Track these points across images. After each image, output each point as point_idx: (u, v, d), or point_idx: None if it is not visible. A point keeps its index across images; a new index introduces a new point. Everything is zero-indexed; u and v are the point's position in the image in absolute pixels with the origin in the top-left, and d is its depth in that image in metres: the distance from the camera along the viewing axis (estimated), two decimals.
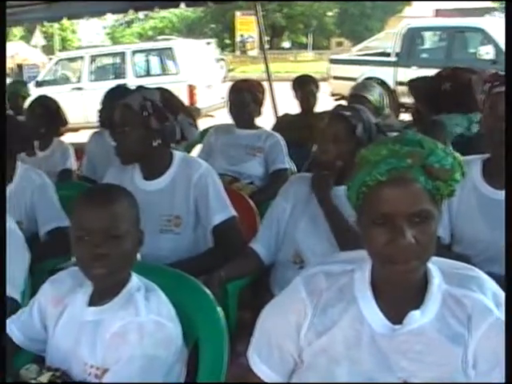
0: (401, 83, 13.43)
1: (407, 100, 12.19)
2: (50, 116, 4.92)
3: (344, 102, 5.90)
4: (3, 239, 2.37)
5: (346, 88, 13.65)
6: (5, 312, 2.26)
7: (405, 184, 1.56)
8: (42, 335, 2.15)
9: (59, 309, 2.09)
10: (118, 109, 3.04)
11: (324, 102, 6.04)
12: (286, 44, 42.35)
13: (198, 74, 13.72)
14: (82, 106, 13.69)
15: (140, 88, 3.12)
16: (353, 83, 13.26)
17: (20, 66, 24.75)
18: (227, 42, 39.83)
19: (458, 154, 1.64)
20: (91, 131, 4.66)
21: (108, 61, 15.88)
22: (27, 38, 31.72)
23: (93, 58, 15.04)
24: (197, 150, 5.07)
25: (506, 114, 1.87)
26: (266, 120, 4.84)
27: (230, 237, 3.06)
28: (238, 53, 34.33)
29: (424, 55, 14.40)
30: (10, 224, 2.57)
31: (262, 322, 1.86)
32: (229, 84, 4.93)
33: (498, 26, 13.31)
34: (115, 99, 4.55)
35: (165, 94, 3.05)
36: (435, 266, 1.69)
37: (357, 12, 39.15)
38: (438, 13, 28.72)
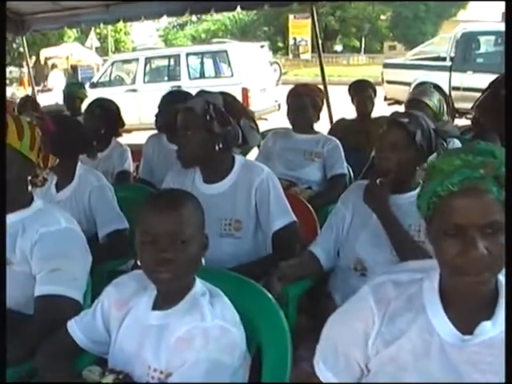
0: (455, 88, 13.32)
1: (462, 105, 12.14)
2: (109, 117, 4.96)
3: (398, 107, 5.89)
4: (3, 239, 2.39)
5: (399, 92, 13.68)
6: (5, 312, 2.28)
7: (478, 195, 1.54)
8: (105, 337, 2.15)
9: (123, 312, 2.09)
10: (181, 112, 3.06)
11: (377, 107, 5.97)
12: (339, 47, 42.18)
13: (252, 77, 13.74)
14: (135, 108, 13.84)
15: (202, 92, 3.11)
16: (407, 88, 13.36)
17: (75, 68, 25.14)
18: (280, 45, 39.85)
19: None
20: (145, 133, 4.67)
21: (162, 63, 16.00)
22: (81, 39, 32.14)
23: (147, 60, 15.18)
24: (252, 154, 5.06)
25: (507, 114, 1.84)
26: (320, 124, 4.79)
27: (291, 242, 3.05)
28: (290, 56, 34.30)
29: (479, 60, 14.18)
30: (73, 225, 2.58)
31: (328, 329, 1.85)
32: (282, 87, 4.93)
33: None
34: (172, 103, 4.60)
35: (227, 97, 3.06)
36: None
37: (410, 15, 38.76)
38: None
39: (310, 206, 3.68)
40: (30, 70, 11.01)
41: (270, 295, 2.24)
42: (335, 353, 1.79)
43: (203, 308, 1.94)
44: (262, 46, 17.82)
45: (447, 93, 13.16)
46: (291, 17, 32.82)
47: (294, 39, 33.79)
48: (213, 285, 2.08)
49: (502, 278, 1.63)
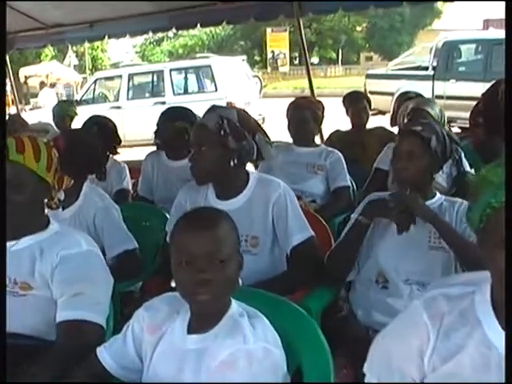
0: (438, 96, 13.36)
1: (446, 113, 12.15)
2: (106, 135, 4.88)
3: (382, 118, 5.89)
4: (3, 239, 2.33)
5: (382, 103, 13.68)
6: (4, 313, 2.21)
7: None
8: (136, 363, 2.08)
9: (156, 336, 2.02)
10: (195, 129, 3.02)
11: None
12: (315, 60, 42.32)
13: (236, 91, 13.73)
14: (120, 125, 13.59)
15: (216, 107, 3.06)
16: (389, 98, 13.35)
17: (53, 86, 24.99)
18: (257, 58, 39.92)
19: None
20: (130, 150, 4.59)
21: (145, 79, 15.93)
22: (58, 57, 32.05)
23: (130, 77, 15.10)
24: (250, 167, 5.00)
25: (506, 115, 1.82)
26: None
27: (309, 257, 2.99)
28: (269, 69, 34.35)
29: (461, 68, 14.27)
30: (94, 247, 2.51)
31: (379, 346, 1.80)
32: (263, 101, 4.89)
33: None
34: (172, 120, 4.55)
35: (241, 112, 3.01)
36: None
37: (386, 26, 39.04)
38: (488, 23, 28.34)
39: (323, 220, 3.62)
40: (14, 88, 10.91)
41: (307, 315, 2.19)
42: (389, 368, 1.73)
43: (245, 330, 1.88)
44: (242, 60, 17.77)
45: None
46: (269, 30, 32.92)
47: (273, 52, 33.89)
48: (247, 305, 2.03)
49: None
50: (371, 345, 1.83)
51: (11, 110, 13.09)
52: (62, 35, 8.75)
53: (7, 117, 7.34)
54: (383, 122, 6.93)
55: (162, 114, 4.77)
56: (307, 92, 8.04)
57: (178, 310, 2.02)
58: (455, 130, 11.31)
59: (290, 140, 4.73)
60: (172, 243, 1.95)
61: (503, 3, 1.88)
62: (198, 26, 8.31)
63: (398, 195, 2.91)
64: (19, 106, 10.82)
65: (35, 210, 2.48)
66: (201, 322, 1.95)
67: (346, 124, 5.95)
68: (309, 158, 4.56)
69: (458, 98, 12.31)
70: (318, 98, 5.61)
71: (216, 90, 13.93)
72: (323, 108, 4.80)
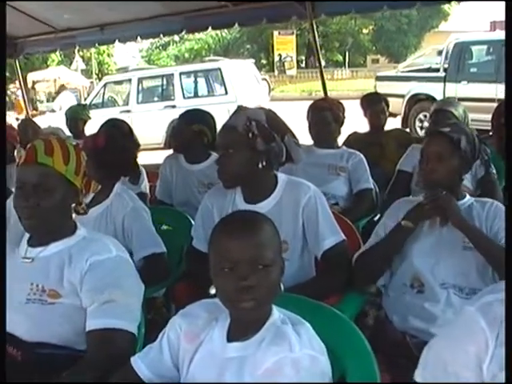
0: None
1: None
2: (124, 139, 4.81)
3: (393, 120, 5.84)
4: (3, 238, 2.29)
5: (393, 105, 13.48)
6: (4, 313, 2.16)
7: None
8: (173, 372, 2.00)
9: (194, 344, 1.94)
10: (222, 131, 2.94)
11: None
12: (322, 62, 42.26)
13: (246, 94, 13.64)
14: None
15: (243, 108, 2.98)
16: (400, 100, 13.26)
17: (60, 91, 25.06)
18: (263, 62, 39.85)
19: None
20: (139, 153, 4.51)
21: (155, 83, 15.87)
22: (64, 62, 32.10)
23: (140, 81, 15.03)
24: None
25: (506, 118, 1.76)
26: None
27: (342, 262, 2.91)
28: (276, 72, 34.28)
29: (473, 69, 14.15)
30: (123, 253, 2.44)
31: (432, 353, 1.71)
32: (271, 104, 4.81)
33: None
34: (190, 123, 4.48)
35: (270, 113, 2.92)
36: None
37: (393, 28, 38.95)
38: (495, 25, 28.27)
39: (352, 224, 3.54)
40: (24, 93, 10.87)
41: (350, 321, 2.12)
42: (445, 373, 1.65)
43: (290, 337, 1.79)
44: (252, 63, 17.66)
45: None
46: (276, 33, 32.88)
47: (280, 55, 33.82)
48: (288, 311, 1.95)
49: None
50: (422, 353, 1.74)
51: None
52: (72, 39, 8.71)
53: (19, 122, 7.29)
54: (394, 124, 6.86)
55: (180, 116, 4.70)
56: (315, 95, 7.96)
57: (217, 317, 1.95)
58: None
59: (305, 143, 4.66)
60: (211, 249, 1.87)
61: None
62: (210, 28, 8.27)
63: (434, 195, 2.84)
64: (30, 112, 10.74)
65: (64, 215, 2.41)
66: (241, 329, 1.87)
67: (356, 126, 5.86)
68: (330, 160, 4.48)
69: (469, 99, 12.18)
70: None
71: (226, 93, 13.84)
72: (344, 109, 4.72)
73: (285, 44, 32.98)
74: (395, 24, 38.63)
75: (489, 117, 4.87)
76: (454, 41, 14.28)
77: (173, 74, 14.63)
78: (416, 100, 14.17)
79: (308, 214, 2.90)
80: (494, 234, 2.75)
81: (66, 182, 2.36)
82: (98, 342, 2.21)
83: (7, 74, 19.78)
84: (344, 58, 40.65)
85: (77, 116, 6.96)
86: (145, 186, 4.88)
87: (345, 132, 4.97)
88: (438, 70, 14.37)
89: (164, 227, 3.86)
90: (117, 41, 8.76)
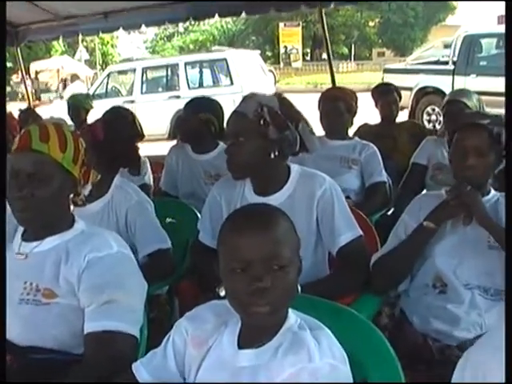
0: None
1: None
2: (127, 127, 4.62)
3: (400, 113, 5.68)
4: (3, 238, 2.11)
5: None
6: (4, 313, 2.00)
7: None
8: (177, 380, 1.81)
9: (202, 351, 1.75)
10: (232, 118, 2.74)
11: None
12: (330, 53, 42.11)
13: (252, 84, 13.40)
14: None
15: (254, 94, 2.78)
16: (408, 93, 13.07)
17: (65, 80, 24.91)
18: (268, 54, 39.63)
19: None
20: (142, 144, 4.32)
21: (160, 73, 15.65)
22: (68, 52, 31.97)
23: (144, 70, 14.81)
24: None
25: (507, 116, 1.60)
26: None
27: (359, 259, 2.72)
28: (281, 64, 34.08)
29: (482, 63, 13.97)
30: (125, 249, 2.25)
31: (470, 363, 1.51)
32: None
33: None
34: (197, 111, 4.30)
35: (283, 99, 2.73)
36: None
37: (399, 21, 38.70)
38: (501, 19, 28.15)
39: (368, 219, 3.36)
40: (26, 82, 10.70)
41: (373, 325, 1.93)
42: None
43: (309, 345, 1.60)
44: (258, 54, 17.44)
45: None
46: (281, 25, 32.69)
47: (285, 47, 33.62)
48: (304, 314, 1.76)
49: None
50: (458, 364, 1.55)
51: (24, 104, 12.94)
52: (76, 27, 8.50)
53: (20, 112, 7.13)
54: (402, 117, 6.67)
55: (186, 105, 4.51)
56: (320, 87, 7.80)
57: (226, 321, 1.76)
58: None
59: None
60: (221, 246, 1.68)
61: None
62: (216, 16, 8.08)
63: (458, 191, 2.65)
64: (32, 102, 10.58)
65: (60, 206, 2.22)
66: (254, 335, 1.68)
67: (363, 119, 5.67)
68: (342, 152, 4.29)
69: (479, 92, 11.96)
70: None
71: (232, 83, 13.64)
72: (357, 99, 4.53)
73: (290, 36, 32.79)
74: (402, 17, 38.36)
75: (498, 111, 4.69)
76: (464, 33, 14.11)
77: (178, 64, 14.40)
78: (424, 93, 13.98)
79: (323, 207, 2.71)
80: None
81: (63, 171, 2.17)
82: (96, 345, 2.02)
83: (9, 64, 19.64)
84: (350, 51, 40.41)
85: (79, 105, 6.80)
86: (148, 177, 4.71)
87: (354, 124, 4.81)
88: (446, 63, 14.16)
89: (168, 220, 3.68)
90: (121, 28, 8.55)
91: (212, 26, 40.21)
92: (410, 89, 13.74)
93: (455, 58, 13.80)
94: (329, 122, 4.35)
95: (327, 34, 7.99)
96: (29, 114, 6.87)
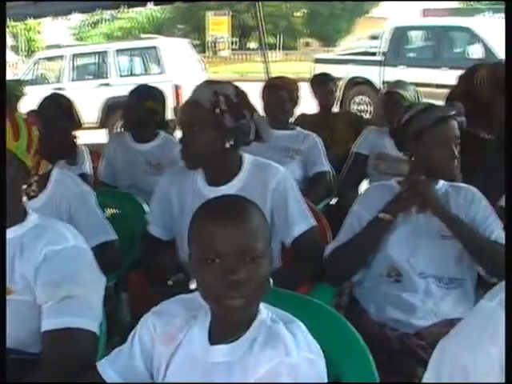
0: (387, 82, 13.30)
1: None
2: (64, 116, 4.49)
3: None
4: (3, 237, 2.00)
5: None
6: (4, 312, 1.91)
7: None
8: (146, 378, 1.76)
9: (171, 347, 1.70)
10: (185, 106, 2.69)
11: (308, 104, 5.68)
12: (254, 44, 42.06)
13: (183, 73, 13.25)
14: None
15: (210, 82, 2.73)
16: (339, 83, 13.18)
17: None
18: (195, 42, 39.39)
19: None
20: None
21: (89, 60, 15.30)
22: None
23: (74, 57, 14.46)
24: None
25: (507, 115, 1.65)
26: None
27: (313, 250, 2.72)
28: (208, 53, 33.91)
29: (411, 54, 14.26)
30: (81, 242, 2.17)
31: (447, 357, 1.50)
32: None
33: (485, 26, 13.35)
34: (141, 99, 4.23)
35: (238, 88, 2.69)
36: None
37: (326, 12, 38.94)
38: (426, 12, 28.71)
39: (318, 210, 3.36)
40: None
41: (340, 315, 1.92)
42: (467, 380, 1.44)
43: (285, 338, 1.57)
44: (188, 43, 17.23)
45: (379, 87, 13.13)
46: (210, 14, 32.55)
47: (213, 36, 33.50)
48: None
49: None
50: (433, 356, 1.54)
51: None
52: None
53: None
54: None
55: (131, 92, 4.40)
56: (246, 76, 7.83)
57: (195, 315, 1.71)
58: None
59: None
60: (193, 237, 1.63)
61: None
62: (152, 4, 7.99)
63: (412, 181, 2.66)
64: None
65: (14, 198, 2.11)
66: (226, 330, 1.64)
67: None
68: (285, 142, 4.27)
69: None
70: (258, 83, 5.29)
71: (162, 71, 13.45)
72: (298, 89, 4.53)
73: (218, 25, 32.69)
74: (328, 8, 38.60)
75: (426, 100, 4.76)
76: (393, 26, 14.40)
77: (107, 52, 14.13)
78: (353, 83, 14.19)
79: (277, 198, 2.69)
80: (470, 221, 2.63)
81: (16, 161, 2.08)
82: (55, 343, 1.94)
83: None
84: (277, 41, 40.48)
85: (10, 91, 6.56)
86: (86, 166, 4.56)
87: None
88: (374, 54, 14.48)
89: (111, 211, 3.60)
90: (51, 14, 8.38)
91: (139, 14, 39.62)
92: (340, 79, 13.88)
93: (384, 50, 14.04)
94: (272, 112, 4.33)
95: (263, 25, 7.98)
96: None
